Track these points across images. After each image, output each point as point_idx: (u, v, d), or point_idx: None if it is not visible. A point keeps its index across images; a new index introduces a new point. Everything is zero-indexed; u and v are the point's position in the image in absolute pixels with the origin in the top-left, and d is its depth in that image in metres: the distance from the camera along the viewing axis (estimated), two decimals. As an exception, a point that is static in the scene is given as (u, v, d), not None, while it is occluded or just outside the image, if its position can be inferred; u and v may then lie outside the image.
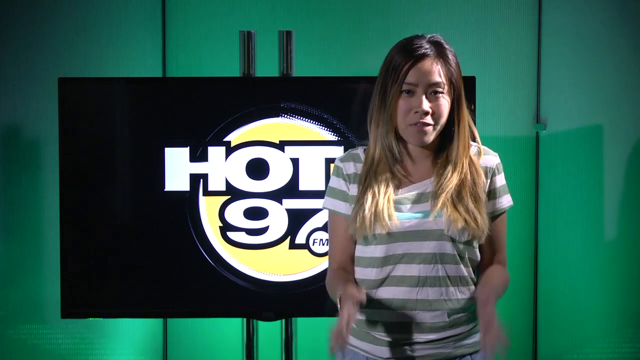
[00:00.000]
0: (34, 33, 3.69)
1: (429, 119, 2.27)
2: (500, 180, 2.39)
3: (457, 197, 2.29)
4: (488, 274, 2.37)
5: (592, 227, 3.79)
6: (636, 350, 3.82)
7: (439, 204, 2.28)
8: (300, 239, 3.14)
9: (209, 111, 3.12)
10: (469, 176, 2.32)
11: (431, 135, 2.29)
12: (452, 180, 2.29)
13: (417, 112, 2.26)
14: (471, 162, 2.34)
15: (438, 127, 2.29)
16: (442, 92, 2.28)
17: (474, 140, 2.39)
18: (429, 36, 2.32)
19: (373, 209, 2.28)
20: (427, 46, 2.29)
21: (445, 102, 2.28)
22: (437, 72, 2.27)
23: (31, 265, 3.73)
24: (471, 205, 2.29)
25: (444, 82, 2.28)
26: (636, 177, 3.78)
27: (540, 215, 3.80)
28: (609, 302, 3.79)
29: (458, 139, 2.31)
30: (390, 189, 2.30)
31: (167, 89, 3.18)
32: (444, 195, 2.28)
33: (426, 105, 2.26)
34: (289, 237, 3.14)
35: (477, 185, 2.32)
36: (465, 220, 2.28)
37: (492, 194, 2.37)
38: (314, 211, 3.11)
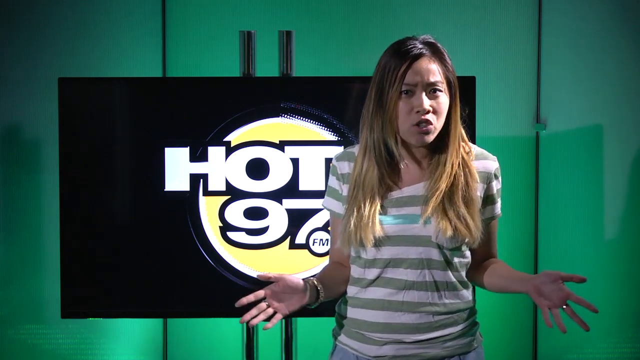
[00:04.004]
0: (34, 33, 3.69)
1: (430, 117, 2.26)
2: (497, 185, 2.39)
3: (449, 202, 2.28)
4: (503, 268, 2.39)
5: (592, 227, 3.79)
6: (636, 350, 3.82)
7: (429, 210, 2.28)
8: (300, 239, 3.14)
9: (209, 111, 3.12)
10: (461, 178, 2.30)
11: (432, 134, 2.28)
12: (442, 184, 2.28)
13: (418, 111, 2.26)
14: (465, 164, 2.32)
15: (438, 127, 2.28)
16: (441, 90, 2.27)
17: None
18: (421, 37, 2.32)
19: (359, 222, 2.29)
20: (421, 46, 2.29)
21: (445, 100, 2.28)
22: (435, 71, 2.27)
23: (31, 265, 3.73)
24: (462, 210, 2.28)
25: (442, 80, 2.27)
26: (636, 177, 3.78)
27: (540, 215, 3.80)
28: (609, 302, 3.79)
29: (449, 139, 2.30)
30: (377, 199, 2.30)
31: (167, 89, 3.18)
32: (434, 200, 2.27)
33: (427, 103, 2.26)
34: (289, 237, 3.14)
35: (470, 187, 2.31)
36: (456, 227, 2.27)
37: (489, 199, 2.37)
38: (314, 211, 3.11)
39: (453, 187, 2.29)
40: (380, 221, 2.29)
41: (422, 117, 2.25)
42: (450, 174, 2.29)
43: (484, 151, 2.39)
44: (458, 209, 2.28)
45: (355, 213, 2.30)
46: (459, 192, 2.29)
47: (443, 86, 2.27)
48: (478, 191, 2.33)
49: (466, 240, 2.29)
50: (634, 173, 3.78)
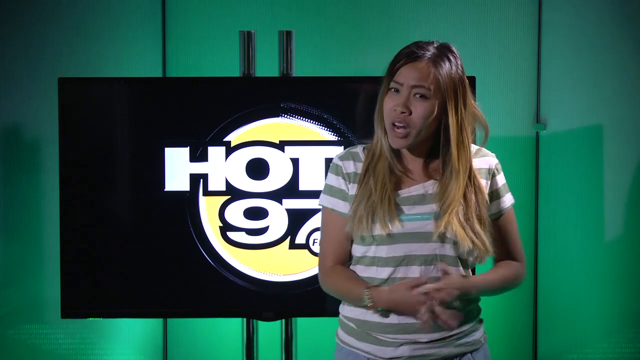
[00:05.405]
0: (34, 33, 3.69)
1: (405, 121, 2.25)
2: (501, 179, 2.39)
3: (464, 218, 2.28)
4: (493, 268, 2.39)
5: (592, 227, 3.79)
6: (636, 350, 3.82)
7: (443, 223, 2.26)
8: (300, 239, 3.14)
9: (209, 111, 3.12)
10: (473, 195, 2.30)
11: (406, 140, 2.27)
12: (456, 197, 2.27)
13: (395, 110, 2.26)
14: (474, 177, 2.32)
15: (415, 133, 2.26)
16: (427, 97, 2.26)
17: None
18: (439, 42, 2.31)
19: (370, 209, 2.28)
20: (429, 49, 2.28)
21: (427, 107, 2.25)
22: (425, 76, 2.25)
23: (31, 265, 3.73)
24: (477, 227, 2.29)
25: (431, 87, 2.25)
26: (636, 177, 3.78)
27: (540, 215, 3.80)
28: (609, 302, 3.79)
29: (446, 150, 2.28)
30: (388, 188, 2.29)
31: (167, 89, 3.18)
32: (448, 214, 2.26)
33: (404, 106, 2.25)
34: (289, 237, 3.14)
35: (480, 204, 2.31)
36: (473, 242, 2.27)
37: (494, 194, 2.37)
38: (314, 211, 3.11)
39: (466, 203, 2.29)
40: (396, 215, 2.28)
41: (397, 117, 2.25)
42: (461, 187, 2.28)
43: (482, 148, 2.39)
44: (473, 225, 2.28)
45: (365, 200, 2.29)
46: (472, 208, 2.29)
47: (429, 94, 2.25)
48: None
49: (481, 255, 2.30)
50: (634, 173, 3.78)
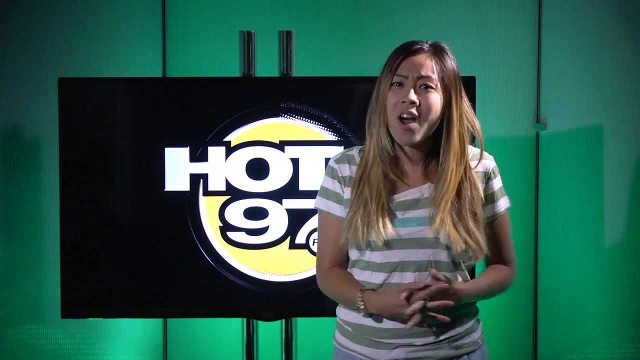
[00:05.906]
0: (34, 33, 3.69)
1: (414, 111, 2.25)
2: (497, 183, 2.38)
3: (457, 215, 2.27)
4: (484, 273, 2.39)
5: (592, 227, 3.79)
6: (636, 350, 3.82)
7: (437, 221, 2.26)
8: (300, 238, 3.14)
9: (209, 111, 3.12)
10: (468, 191, 2.30)
11: (417, 133, 2.26)
12: (448, 190, 2.27)
13: (403, 102, 2.25)
14: (470, 174, 2.32)
15: (425, 125, 2.26)
16: (433, 88, 2.26)
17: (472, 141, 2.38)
18: (431, 40, 2.32)
19: (366, 218, 2.28)
20: (425, 45, 2.29)
21: (435, 98, 2.26)
22: (429, 67, 2.26)
23: (31, 265, 3.73)
24: (471, 225, 2.28)
25: (436, 78, 2.26)
26: (636, 177, 3.78)
27: (540, 215, 3.80)
28: (609, 302, 3.79)
29: (448, 144, 2.29)
30: (383, 195, 2.29)
31: (167, 89, 3.18)
32: (441, 210, 2.26)
33: (413, 96, 2.25)
34: (289, 237, 3.14)
35: (475, 200, 2.31)
36: (466, 242, 2.27)
37: (489, 198, 2.36)
38: (314, 211, 3.09)
39: (460, 200, 2.29)
40: (390, 222, 2.28)
41: (407, 109, 2.25)
42: (455, 180, 2.28)
43: (479, 150, 2.38)
44: (467, 223, 2.28)
45: (362, 210, 2.28)
46: (466, 206, 2.29)
47: (436, 84, 2.26)
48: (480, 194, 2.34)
49: (475, 254, 2.30)
50: (634, 173, 3.78)
